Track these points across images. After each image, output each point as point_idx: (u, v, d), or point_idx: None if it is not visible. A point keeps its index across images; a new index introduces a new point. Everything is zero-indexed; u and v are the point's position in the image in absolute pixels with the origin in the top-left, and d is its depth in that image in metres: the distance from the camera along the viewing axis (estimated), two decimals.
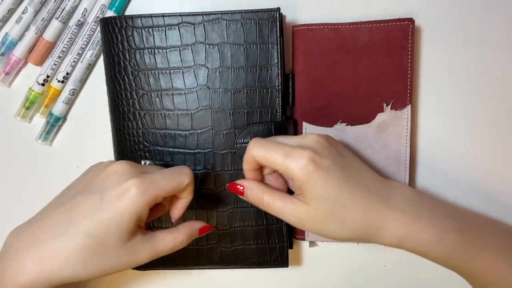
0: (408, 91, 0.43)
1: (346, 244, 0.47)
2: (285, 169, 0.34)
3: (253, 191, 0.36)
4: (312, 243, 0.47)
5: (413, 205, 0.35)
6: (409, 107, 0.43)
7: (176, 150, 0.42)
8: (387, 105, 0.43)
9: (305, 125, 0.44)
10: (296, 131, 0.44)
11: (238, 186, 0.37)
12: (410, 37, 0.42)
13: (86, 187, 0.35)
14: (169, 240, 0.35)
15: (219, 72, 0.41)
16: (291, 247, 0.45)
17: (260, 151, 0.34)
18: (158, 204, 0.36)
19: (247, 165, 0.36)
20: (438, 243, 0.35)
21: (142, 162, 0.42)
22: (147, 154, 0.43)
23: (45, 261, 0.32)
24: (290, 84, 0.43)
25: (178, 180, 0.35)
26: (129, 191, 0.33)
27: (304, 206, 0.34)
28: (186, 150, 0.42)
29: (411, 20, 0.42)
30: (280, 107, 0.42)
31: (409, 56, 0.42)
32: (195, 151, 0.42)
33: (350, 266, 0.48)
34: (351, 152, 0.38)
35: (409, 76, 0.43)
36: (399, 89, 0.43)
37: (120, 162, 0.35)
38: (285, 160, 0.33)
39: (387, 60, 0.43)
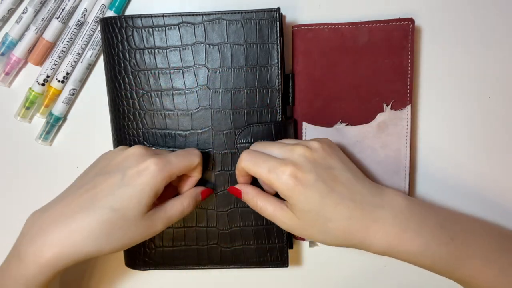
0: (408, 91, 0.43)
1: None
2: (269, 183, 0.36)
3: (248, 195, 0.39)
4: (312, 243, 0.47)
5: (402, 215, 0.36)
6: (409, 107, 0.43)
7: (176, 150, 0.42)
8: (387, 105, 0.43)
9: (305, 125, 0.44)
10: (296, 131, 0.44)
11: (237, 189, 0.40)
12: (410, 37, 0.42)
13: (105, 168, 0.37)
14: (177, 204, 0.38)
15: (219, 72, 0.41)
16: (291, 247, 0.45)
17: (248, 164, 0.37)
18: (169, 186, 0.39)
19: (238, 172, 0.40)
20: (424, 254, 0.36)
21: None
22: None
23: (71, 236, 0.34)
24: (290, 84, 0.43)
25: (189, 159, 0.38)
26: (149, 169, 0.36)
27: (291, 214, 0.37)
28: None
29: (411, 20, 0.42)
30: (280, 107, 0.42)
31: (409, 56, 0.42)
32: None
33: (350, 266, 0.48)
34: (344, 162, 0.38)
35: (409, 76, 0.43)
36: (399, 89, 0.43)
37: (136, 146, 0.38)
38: (269, 175, 0.36)
39: (387, 60, 0.43)
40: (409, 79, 0.43)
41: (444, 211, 0.40)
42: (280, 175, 0.35)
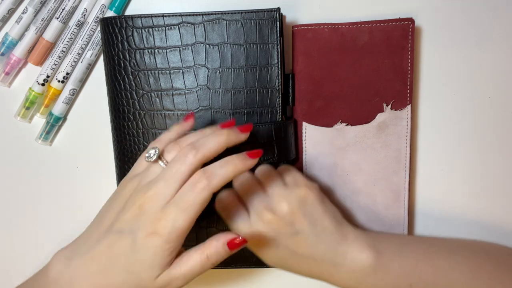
0: (408, 91, 0.43)
1: None
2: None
3: None
4: None
5: (358, 274, 0.38)
6: (409, 107, 0.43)
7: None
8: (387, 105, 0.43)
9: (305, 125, 0.44)
10: (296, 131, 0.44)
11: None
12: (410, 37, 0.42)
13: (116, 224, 0.35)
14: (194, 256, 0.35)
15: (219, 72, 0.41)
16: None
17: (220, 211, 0.39)
18: None
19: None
20: None
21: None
22: None
23: None
24: (290, 84, 0.43)
25: (202, 199, 0.33)
26: (158, 234, 0.33)
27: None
28: None
29: (411, 20, 0.42)
30: (280, 107, 0.42)
31: (409, 56, 0.42)
32: None
33: None
34: (312, 223, 0.38)
35: (409, 76, 0.43)
36: (399, 89, 0.43)
37: (146, 201, 0.34)
38: (236, 231, 0.39)
39: (387, 60, 0.43)
40: (409, 79, 0.43)
41: (412, 252, 0.40)
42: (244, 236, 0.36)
